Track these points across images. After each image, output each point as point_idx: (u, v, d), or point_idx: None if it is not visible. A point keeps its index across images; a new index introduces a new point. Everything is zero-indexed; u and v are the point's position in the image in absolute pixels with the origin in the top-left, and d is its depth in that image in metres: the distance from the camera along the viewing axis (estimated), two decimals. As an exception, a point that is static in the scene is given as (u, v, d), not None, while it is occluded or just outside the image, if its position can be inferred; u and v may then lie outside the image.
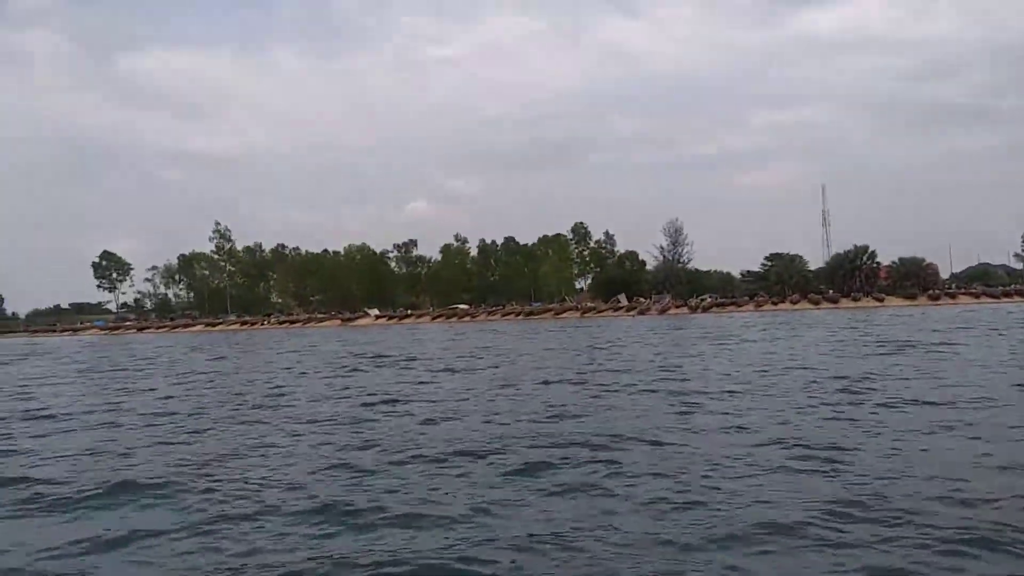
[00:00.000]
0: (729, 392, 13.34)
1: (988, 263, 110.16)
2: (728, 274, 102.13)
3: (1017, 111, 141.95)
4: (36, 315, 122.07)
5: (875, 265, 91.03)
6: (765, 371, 16.94)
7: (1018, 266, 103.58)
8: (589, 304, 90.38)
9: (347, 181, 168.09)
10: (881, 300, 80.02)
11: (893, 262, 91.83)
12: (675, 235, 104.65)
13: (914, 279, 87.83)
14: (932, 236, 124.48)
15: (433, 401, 13.82)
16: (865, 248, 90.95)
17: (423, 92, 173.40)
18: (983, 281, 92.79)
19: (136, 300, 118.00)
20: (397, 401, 13.85)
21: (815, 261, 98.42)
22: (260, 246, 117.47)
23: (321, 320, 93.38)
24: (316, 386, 17.52)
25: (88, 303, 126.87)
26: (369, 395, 15.00)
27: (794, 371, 16.68)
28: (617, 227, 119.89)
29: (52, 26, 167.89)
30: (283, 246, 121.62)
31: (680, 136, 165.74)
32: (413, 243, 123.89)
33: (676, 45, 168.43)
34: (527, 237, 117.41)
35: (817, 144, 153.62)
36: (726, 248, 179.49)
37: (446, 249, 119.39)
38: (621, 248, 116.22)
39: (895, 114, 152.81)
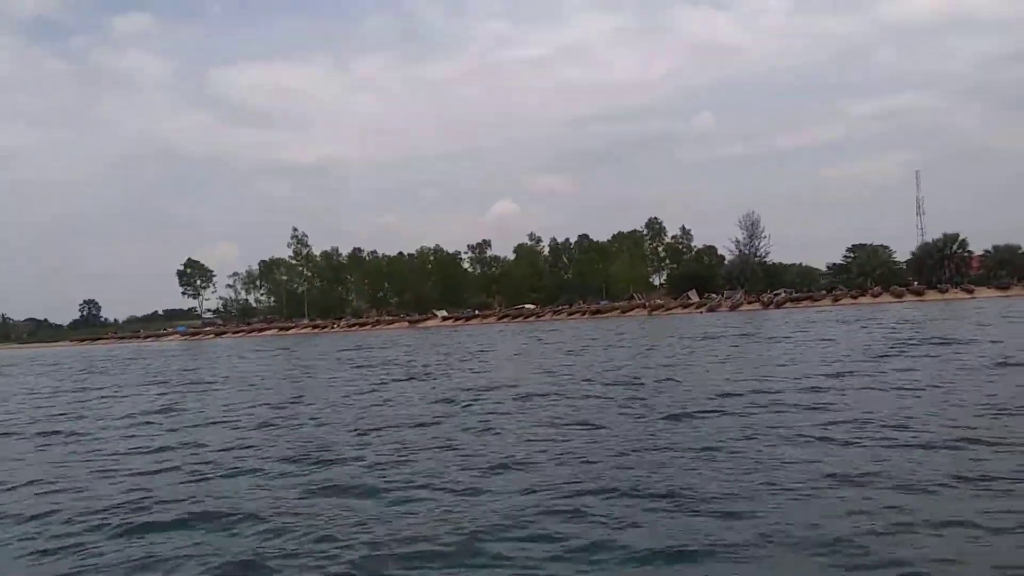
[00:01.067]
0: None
1: None
2: (808, 267, 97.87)
3: None
4: (131, 321, 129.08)
5: (966, 254, 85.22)
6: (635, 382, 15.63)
7: None
8: (658, 301, 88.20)
9: (434, 186, 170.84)
10: (971, 292, 74.89)
11: (986, 250, 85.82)
12: (751, 228, 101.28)
13: (1009, 268, 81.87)
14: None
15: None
16: (955, 236, 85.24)
17: (507, 95, 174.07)
18: None
19: (224, 305, 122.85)
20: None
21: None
22: (337, 250, 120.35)
23: (390, 323, 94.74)
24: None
25: (180, 309, 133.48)
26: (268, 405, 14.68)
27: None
28: (705, 223, 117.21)
29: (151, 47, 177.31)
30: (360, 250, 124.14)
31: (770, 128, 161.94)
32: (487, 243, 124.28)
33: (765, 36, 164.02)
34: (610, 235, 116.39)
35: (913, 132, 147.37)
36: (818, 241, 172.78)
37: (520, 248, 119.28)
38: (700, 243, 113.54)
39: (995, 96, 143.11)
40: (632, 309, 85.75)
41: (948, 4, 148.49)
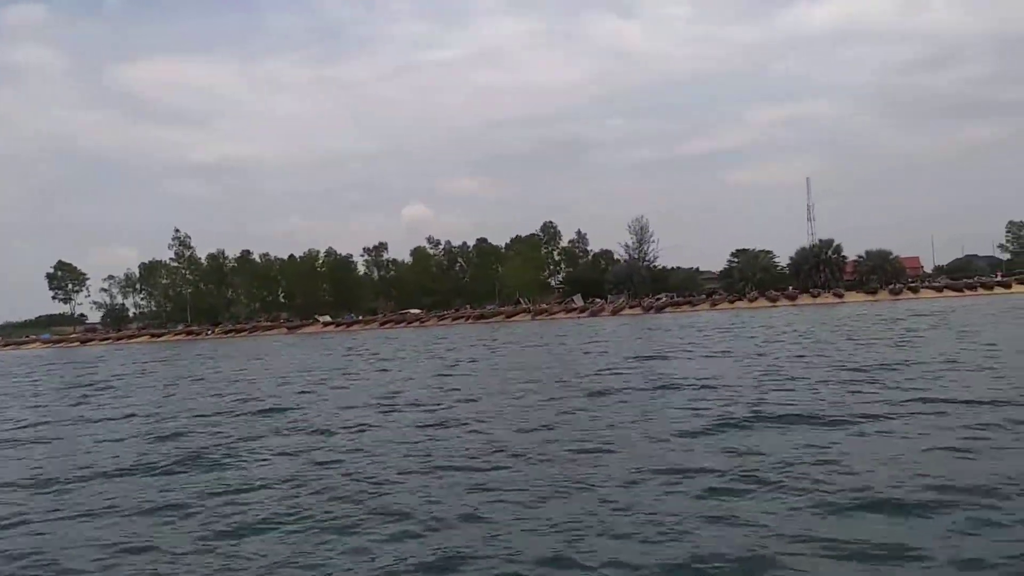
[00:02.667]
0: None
1: (975, 255, 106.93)
2: (694, 271, 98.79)
3: (1014, 104, 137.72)
4: (5, 328, 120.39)
5: (841, 259, 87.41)
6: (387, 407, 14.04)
7: (1004, 257, 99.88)
8: (543, 306, 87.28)
9: (350, 188, 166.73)
10: (841, 296, 76.69)
11: (859, 256, 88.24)
12: (641, 233, 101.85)
13: (881, 273, 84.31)
14: (920, 229, 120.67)
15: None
16: (830, 242, 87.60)
17: (424, 97, 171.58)
18: (965, 273, 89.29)
19: (102, 310, 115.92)
20: None
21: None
22: (223, 253, 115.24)
23: (268, 328, 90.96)
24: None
25: (65, 315, 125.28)
26: None
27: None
28: (614, 227, 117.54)
29: (46, 40, 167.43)
30: (249, 252, 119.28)
31: (677, 134, 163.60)
32: (384, 246, 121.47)
33: (672, 43, 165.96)
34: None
35: (811, 139, 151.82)
36: (718, 246, 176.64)
37: (415, 251, 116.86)
38: (600, 247, 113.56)
39: (890, 105, 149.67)
40: (517, 314, 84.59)
41: (845, 15, 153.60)
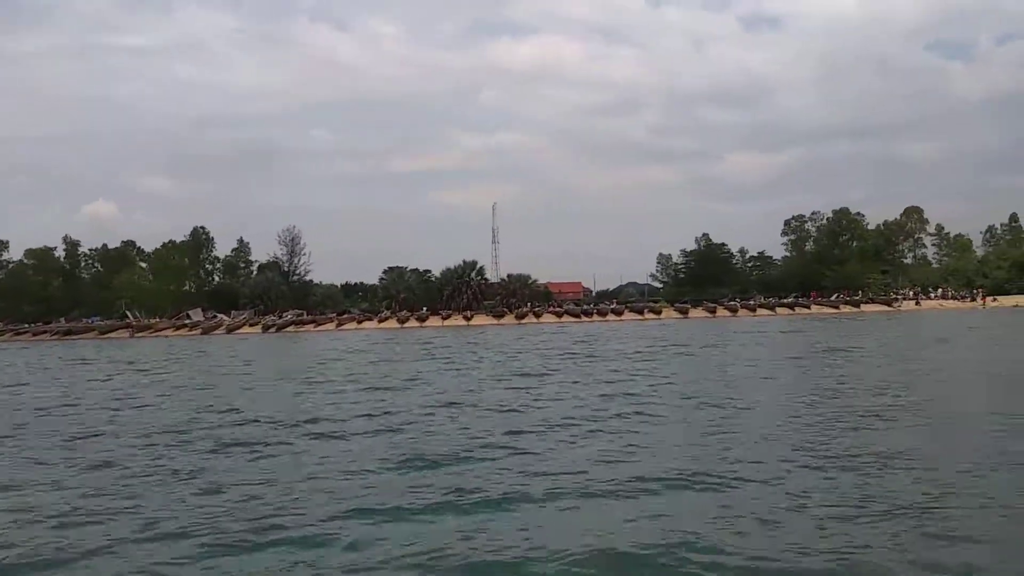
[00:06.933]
0: None
1: (635, 282, 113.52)
2: (335, 287, 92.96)
3: (679, 151, 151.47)
4: None
5: (483, 281, 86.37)
6: None
7: (658, 285, 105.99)
8: (153, 321, 75.75)
9: (21, 176, 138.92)
10: (469, 319, 74.68)
11: (502, 278, 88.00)
12: (291, 244, 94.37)
13: (519, 296, 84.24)
14: (592, 257, 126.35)
15: None
16: (473, 264, 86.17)
17: (112, 83, 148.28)
18: (620, 299, 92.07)
19: None
20: None
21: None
22: None
23: None
24: None
25: None
26: None
27: None
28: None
29: None
30: None
31: (383, 152, 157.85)
32: (4, 244, 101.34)
33: (384, 62, 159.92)
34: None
35: (511, 168, 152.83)
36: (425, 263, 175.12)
37: (29, 252, 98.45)
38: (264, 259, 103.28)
39: (578, 144, 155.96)
40: (114, 330, 72.44)
41: (543, 56, 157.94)
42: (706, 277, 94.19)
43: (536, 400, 14.63)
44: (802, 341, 32.69)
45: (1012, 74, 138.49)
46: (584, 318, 73.13)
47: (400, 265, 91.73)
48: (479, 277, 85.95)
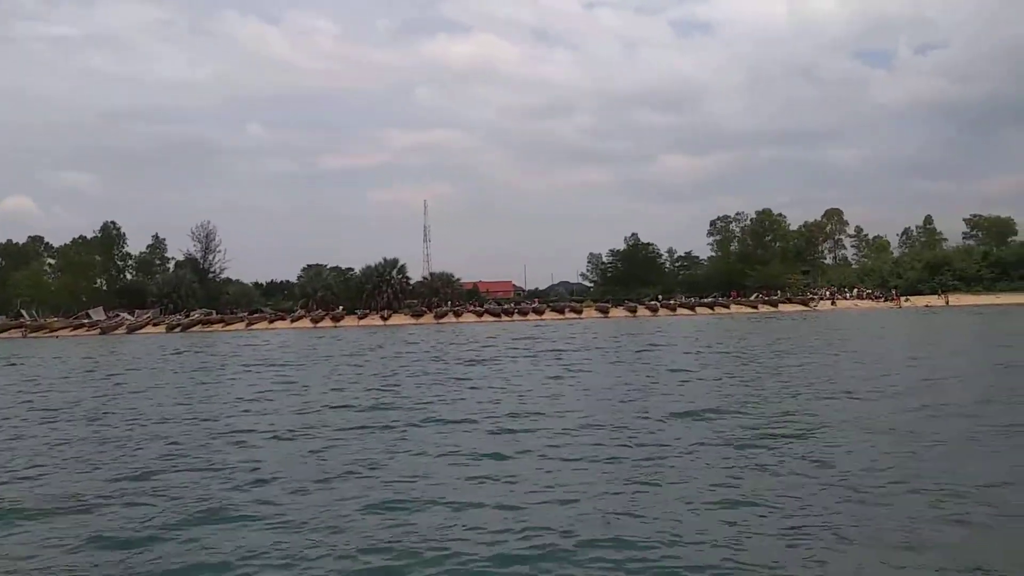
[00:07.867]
0: None
1: (566, 281, 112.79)
2: (248, 286, 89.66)
3: (612, 153, 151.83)
4: None
5: (406, 279, 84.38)
6: None
7: (588, 285, 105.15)
8: (50, 320, 71.50)
9: None
10: (387, 318, 72.75)
11: (424, 277, 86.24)
12: (206, 240, 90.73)
13: (442, 295, 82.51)
14: (526, 255, 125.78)
15: None
16: (395, 262, 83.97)
17: (24, 74, 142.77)
18: (547, 299, 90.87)
19: None
20: None
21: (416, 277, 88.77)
22: None
23: None
24: None
25: None
26: None
27: None
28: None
29: None
30: None
31: (318, 149, 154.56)
32: None
33: (315, 57, 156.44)
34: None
35: (445, 166, 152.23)
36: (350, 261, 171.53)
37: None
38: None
39: (514, 144, 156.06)
40: (7, 329, 68.19)
41: (479, 56, 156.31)
42: (633, 276, 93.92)
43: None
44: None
45: (930, 82, 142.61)
46: (504, 317, 71.88)
47: (320, 263, 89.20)
48: (400, 275, 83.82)
